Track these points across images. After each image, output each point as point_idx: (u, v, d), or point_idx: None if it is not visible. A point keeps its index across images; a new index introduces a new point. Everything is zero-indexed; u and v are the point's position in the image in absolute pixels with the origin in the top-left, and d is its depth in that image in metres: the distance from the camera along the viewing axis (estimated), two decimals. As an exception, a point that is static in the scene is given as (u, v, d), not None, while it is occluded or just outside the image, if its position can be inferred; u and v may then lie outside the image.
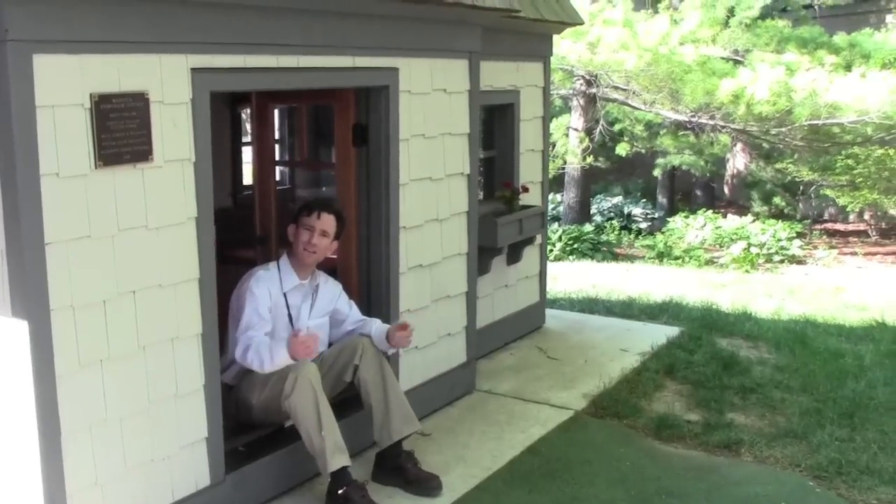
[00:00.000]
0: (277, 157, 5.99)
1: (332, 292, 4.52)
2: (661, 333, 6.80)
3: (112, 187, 3.37)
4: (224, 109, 6.29)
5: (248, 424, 4.34)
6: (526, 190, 6.29)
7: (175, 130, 3.57)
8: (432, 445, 4.87)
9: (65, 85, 3.17)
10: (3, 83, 3.00)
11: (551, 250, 11.50)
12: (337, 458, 4.03)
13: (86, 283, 3.31)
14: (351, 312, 4.54)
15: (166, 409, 3.67)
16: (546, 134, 6.80)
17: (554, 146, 12.86)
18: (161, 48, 3.48)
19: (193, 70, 3.62)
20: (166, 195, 3.58)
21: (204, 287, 3.76)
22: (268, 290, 4.21)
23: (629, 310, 7.74)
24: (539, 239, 6.79)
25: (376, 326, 4.47)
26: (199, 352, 3.78)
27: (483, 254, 6.00)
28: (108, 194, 3.36)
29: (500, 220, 5.90)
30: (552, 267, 9.62)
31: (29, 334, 3.14)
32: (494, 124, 6.39)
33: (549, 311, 7.27)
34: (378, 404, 4.37)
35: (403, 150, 4.83)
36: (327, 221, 4.31)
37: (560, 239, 11.96)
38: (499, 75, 6.08)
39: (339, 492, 4.05)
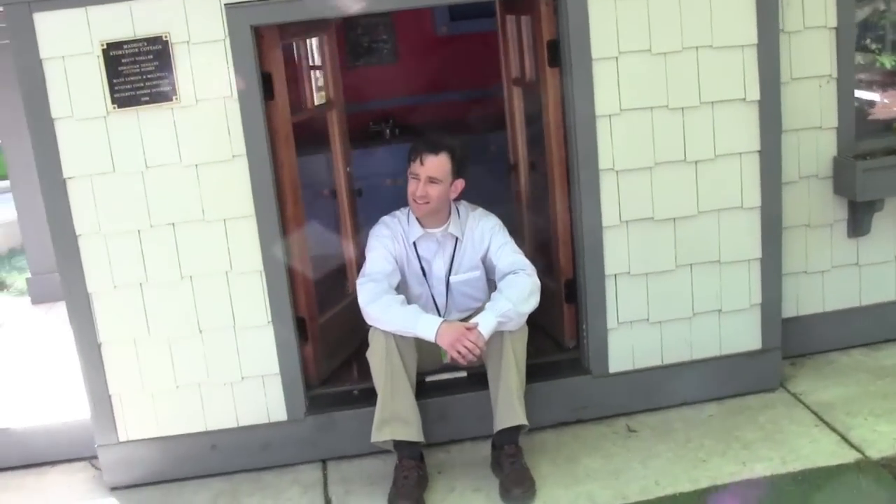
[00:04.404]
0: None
1: (479, 238, 3.89)
2: None
3: (136, 127, 3.59)
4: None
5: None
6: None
7: (209, 69, 3.57)
8: (615, 447, 3.90)
9: (71, 36, 3.48)
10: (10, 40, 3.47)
11: None
12: (385, 429, 3.63)
13: (114, 214, 3.65)
14: (499, 264, 3.83)
15: (222, 338, 3.82)
16: None
17: None
18: (183, -13, 3.49)
19: (228, 6, 3.52)
20: (203, 133, 3.62)
21: (263, 223, 3.72)
22: (391, 237, 3.87)
23: None
24: None
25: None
26: (262, 288, 3.79)
27: (855, 209, 4.29)
28: (130, 134, 3.59)
29: (864, 164, 4.08)
30: None
31: (57, 257, 3.68)
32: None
33: None
34: (492, 386, 3.73)
35: (604, 72, 3.75)
36: (434, 165, 3.71)
37: None
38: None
39: (395, 465, 3.68)
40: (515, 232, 4.62)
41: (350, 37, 6.27)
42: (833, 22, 4.11)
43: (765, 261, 4.05)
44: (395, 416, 3.64)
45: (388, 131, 6.11)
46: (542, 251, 4.39)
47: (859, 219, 4.28)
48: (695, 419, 4.05)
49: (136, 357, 3.80)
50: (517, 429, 3.67)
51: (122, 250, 3.69)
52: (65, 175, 3.59)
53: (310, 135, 4.30)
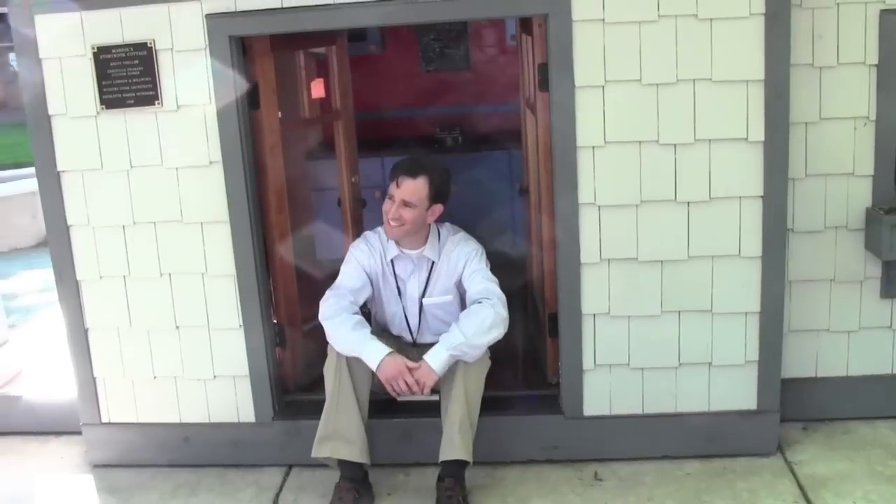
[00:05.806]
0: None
1: (455, 263, 3.78)
2: None
3: (122, 128, 3.75)
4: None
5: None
6: None
7: (190, 76, 3.66)
8: (573, 495, 3.70)
9: (67, 39, 3.68)
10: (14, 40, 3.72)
11: None
12: (325, 445, 3.61)
13: (101, 209, 3.84)
14: (469, 290, 3.72)
15: (197, 336, 3.93)
16: None
17: None
18: (168, -4, 3.60)
19: (208, 16, 3.59)
20: (183, 138, 3.73)
21: (236, 230, 3.80)
22: (368, 252, 3.84)
23: None
24: None
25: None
26: (234, 292, 3.87)
27: (888, 267, 3.86)
28: (117, 134, 3.75)
29: (893, 219, 3.63)
30: None
31: (50, 246, 3.91)
32: None
33: None
34: (442, 415, 3.66)
35: (589, 101, 3.54)
36: (410, 189, 3.62)
37: None
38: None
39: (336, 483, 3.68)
40: (522, 257, 4.52)
41: (423, 41, 6.23)
42: (874, 58, 3.68)
43: (764, 316, 3.70)
44: (338, 433, 3.61)
45: (449, 140, 6.03)
46: (540, 281, 4.23)
47: (892, 278, 3.83)
48: (669, 475, 3.78)
49: (118, 345, 3.99)
50: (459, 463, 3.58)
51: (107, 243, 3.87)
52: (59, 168, 3.81)
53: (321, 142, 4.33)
